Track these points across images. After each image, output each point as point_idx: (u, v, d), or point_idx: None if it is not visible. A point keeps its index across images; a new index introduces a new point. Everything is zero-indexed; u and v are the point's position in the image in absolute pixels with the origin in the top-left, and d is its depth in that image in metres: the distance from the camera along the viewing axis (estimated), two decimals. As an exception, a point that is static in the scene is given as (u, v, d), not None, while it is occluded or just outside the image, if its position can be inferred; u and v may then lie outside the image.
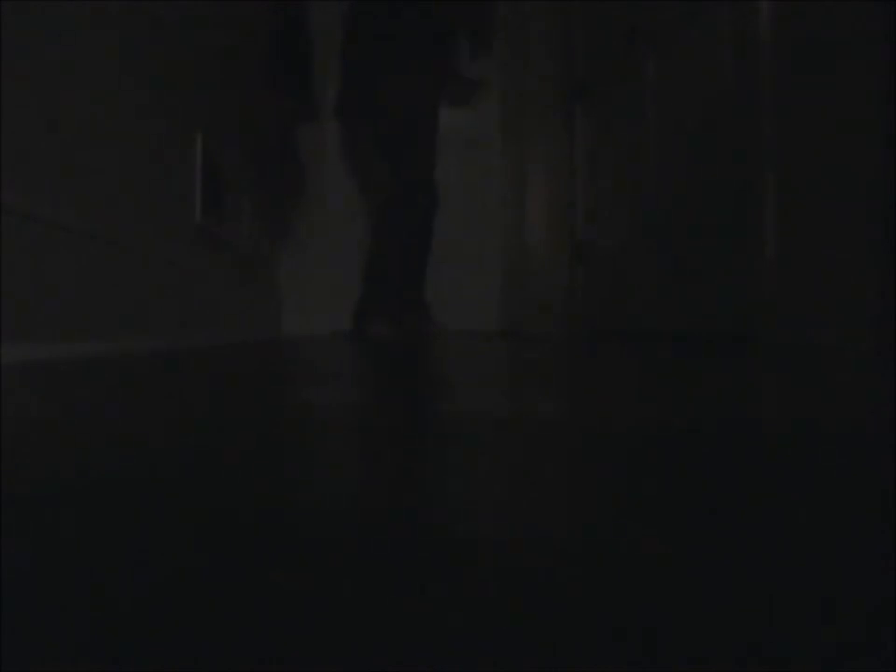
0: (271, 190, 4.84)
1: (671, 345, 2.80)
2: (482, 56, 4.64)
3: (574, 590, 0.24)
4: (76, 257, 1.94)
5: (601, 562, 0.27)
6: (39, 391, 0.94)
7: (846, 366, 1.47)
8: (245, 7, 4.13)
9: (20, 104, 1.66)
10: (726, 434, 0.58)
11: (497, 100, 5.16)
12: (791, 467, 0.45)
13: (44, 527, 0.32)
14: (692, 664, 0.19)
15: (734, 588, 0.25)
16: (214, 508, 0.35)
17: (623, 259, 3.78)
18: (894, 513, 0.34)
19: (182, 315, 2.92)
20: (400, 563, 0.27)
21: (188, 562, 0.27)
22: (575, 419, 0.67)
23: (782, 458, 0.48)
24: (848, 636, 0.21)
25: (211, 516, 0.34)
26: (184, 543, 0.30)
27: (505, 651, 0.20)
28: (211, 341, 3.34)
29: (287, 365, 1.57)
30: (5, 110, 1.59)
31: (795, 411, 0.73)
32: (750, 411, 0.73)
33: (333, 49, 5.11)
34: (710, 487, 0.40)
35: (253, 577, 0.26)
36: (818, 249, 2.35)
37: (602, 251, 4.04)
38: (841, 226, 2.25)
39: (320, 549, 0.29)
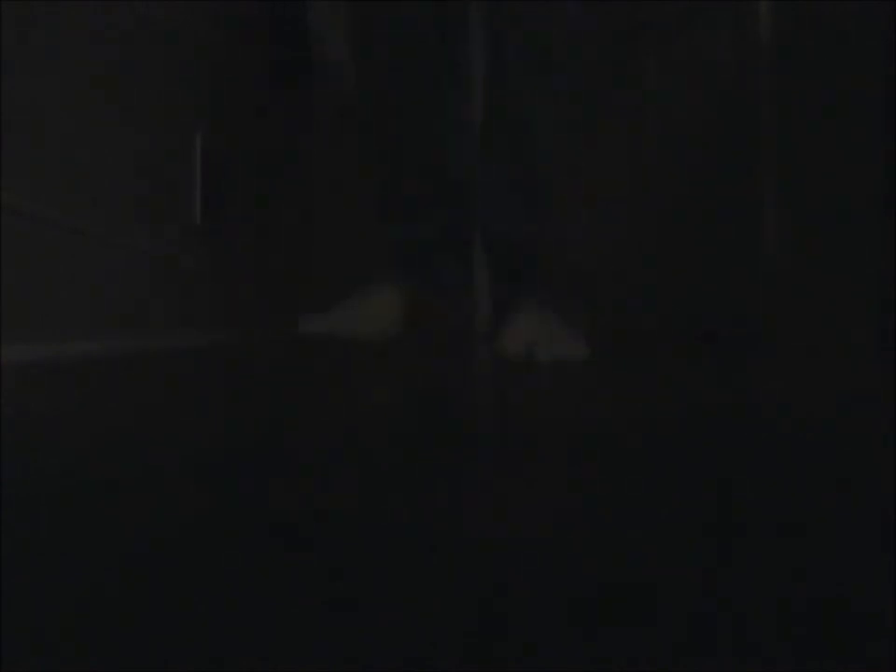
0: (271, 190, 4.84)
1: (671, 345, 2.80)
2: None
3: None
4: (76, 257, 1.94)
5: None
6: (39, 391, 0.94)
7: (846, 366, 1.47)
8: (246, 7, 4.14)
9: (19, 103, 1.66)
10: (724, 433, 0.58)
11: None
12: (792, 465, 0.45)
13: (44, 529, 0.32)
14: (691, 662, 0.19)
15: (732, 589, 0.25)
16: (213, 509, 0.35)
17: (623, 259, 3.78)
18: (894, 513, 0.34)
19: (182, 315, 2.93)
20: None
21: (188, 563, 0.27)
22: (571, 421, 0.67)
23: (782, 457, 0.48)
24: (848, 637, 0.21)
25: (210, 518, 0.34)
26: (183, 544, 0.30)
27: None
28: (211, 341, 3.34)
29: (286, 365, 1.58)
30: (4, 110, 1.59)
31: (795, 410, 0.73)
32: (750, 411, 0.73)
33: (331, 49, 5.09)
34: (706, 488, 0.40)
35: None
36: (818, 248, 2.35)
37: (601, 251, 4.04)
38: (841, 226, 2.25)
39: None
